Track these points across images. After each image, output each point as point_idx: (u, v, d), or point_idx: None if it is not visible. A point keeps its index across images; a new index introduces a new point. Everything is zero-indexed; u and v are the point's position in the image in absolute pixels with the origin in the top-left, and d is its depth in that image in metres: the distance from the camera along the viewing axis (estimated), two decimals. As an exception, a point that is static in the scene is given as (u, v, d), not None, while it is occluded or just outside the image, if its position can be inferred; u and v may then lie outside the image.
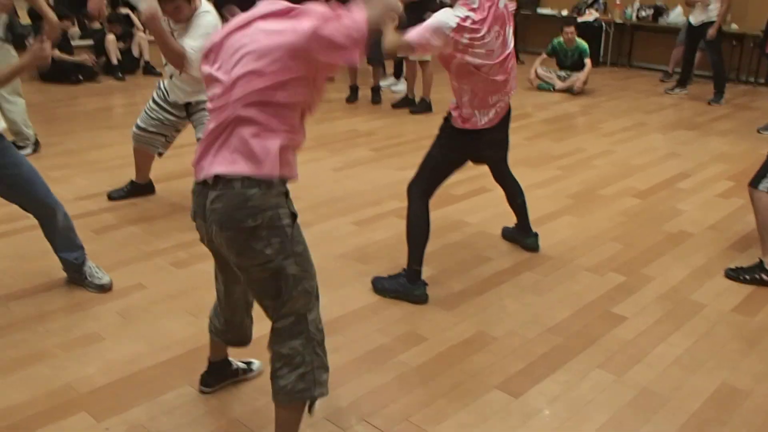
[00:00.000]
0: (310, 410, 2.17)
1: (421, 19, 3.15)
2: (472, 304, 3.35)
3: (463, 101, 3.31)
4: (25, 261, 3.61)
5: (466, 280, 3.58)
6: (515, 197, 3.89)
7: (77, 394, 2.60)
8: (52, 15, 4.51)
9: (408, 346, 2.98)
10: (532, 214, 3.99)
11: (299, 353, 2.10)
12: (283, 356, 2.11)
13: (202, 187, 2.05)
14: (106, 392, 2.61)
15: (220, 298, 2.40)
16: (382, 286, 3.42)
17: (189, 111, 4.24)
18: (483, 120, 3.35)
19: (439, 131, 3.47)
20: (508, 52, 3.27)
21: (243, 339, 2.48)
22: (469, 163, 3.74)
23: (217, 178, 2.00)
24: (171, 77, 4.13)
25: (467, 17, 3.08)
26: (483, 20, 3.11)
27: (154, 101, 4.29)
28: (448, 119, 3.41)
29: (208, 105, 2.07)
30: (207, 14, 3.82)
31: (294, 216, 2.08)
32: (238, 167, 1.97)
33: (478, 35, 3.11)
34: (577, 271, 3.72)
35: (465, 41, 3.11)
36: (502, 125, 3.49)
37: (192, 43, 3.70)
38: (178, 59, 3.71)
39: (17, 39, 5.29)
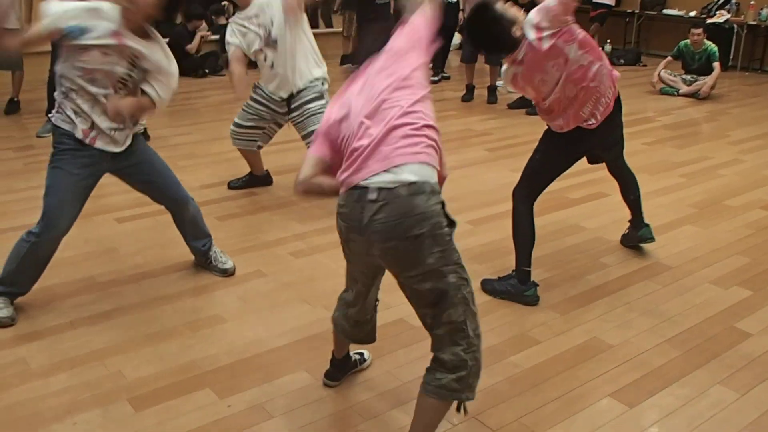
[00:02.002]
0: (460, 409, 2.15)
1: None
2: (586, 310, 3.29)
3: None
4: (156, 244, 3.84)
5: (581, 286, 3.52)
6: (630, 192, 3.77)
7: (202, 372, 2.75)
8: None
9: (519, 348, 2.96)
10: (652, 222, 3.87)
11: (462, 359, 2.07)
12: (445, 362, 2.08)
13: (359, 195, 2.01)
14: (227, 372, 2.75)
15: (350, 301, 2.40)
16: (492, 288, 3.41)
17: (290, 105, 4.28)
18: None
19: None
20: None
21: (371, 338, 2.53)
22: (587, 166, 3.68)
23: (380, 188, 1.98)
24: (272, 66, 4.19)
25: None
26: None
27: (252, 98, 4.40)
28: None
29: None
30: None
31: (452, 223, 2.06)
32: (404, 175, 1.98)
33: None
34: (699, 283, 3.58)
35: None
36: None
37: None
38: None
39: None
